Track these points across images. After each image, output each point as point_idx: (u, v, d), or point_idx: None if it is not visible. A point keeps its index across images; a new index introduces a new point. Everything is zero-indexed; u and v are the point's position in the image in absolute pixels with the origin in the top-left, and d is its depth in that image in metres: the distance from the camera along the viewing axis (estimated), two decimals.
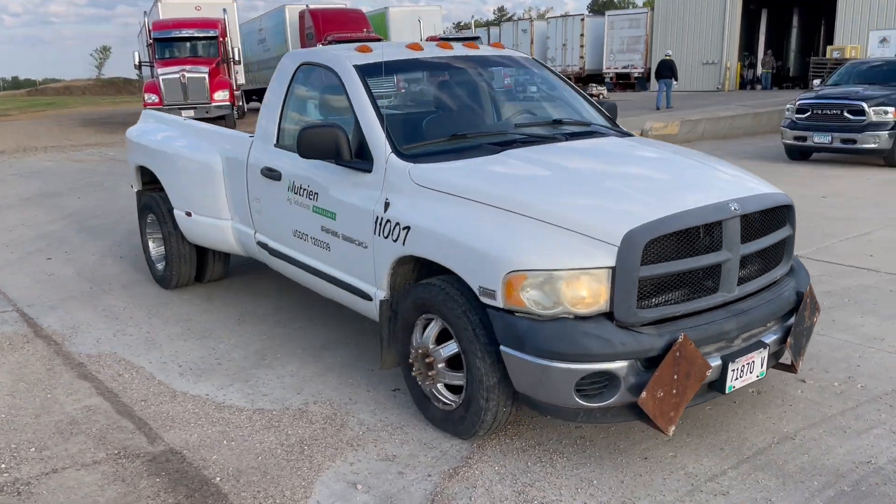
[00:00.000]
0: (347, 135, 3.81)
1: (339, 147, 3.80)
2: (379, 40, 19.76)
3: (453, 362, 3.40)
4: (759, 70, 31.41)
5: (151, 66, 21.79)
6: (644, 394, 2.94)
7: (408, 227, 3.48)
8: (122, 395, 4.08)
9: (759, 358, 3.31)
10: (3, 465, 3.37)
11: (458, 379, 3.38)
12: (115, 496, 3.12)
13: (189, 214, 5.39)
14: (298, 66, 4.57)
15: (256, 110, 7.39)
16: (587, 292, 2.96)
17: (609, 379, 2.98)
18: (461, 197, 3.37)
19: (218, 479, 3.23)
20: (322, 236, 4.14)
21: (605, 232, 2.99)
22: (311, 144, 3.80)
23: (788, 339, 3.47)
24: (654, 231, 2.99)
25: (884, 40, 26.63)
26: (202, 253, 5.82)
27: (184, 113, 19.96)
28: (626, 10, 36.34)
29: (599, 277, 2.95)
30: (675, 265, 3.07)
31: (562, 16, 37.86)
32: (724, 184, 3.51)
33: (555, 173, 3.55)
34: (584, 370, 2.94)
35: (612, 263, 2.95)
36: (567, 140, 4.05)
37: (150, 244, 6.13)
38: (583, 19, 35.44)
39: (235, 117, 20.93)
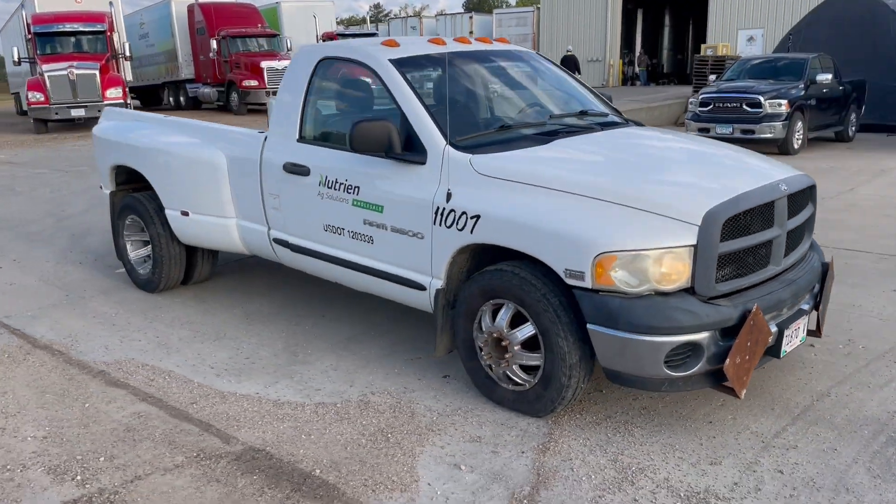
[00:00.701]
0: (398, 128, 3.87)
1: (391, 140, 3.85)
2: (276, 35, 19.44)
3: (527, 344, 3.55)
4: (637, 67, 33.12)
5: (33, 63, 20.47)
6: (728, 360, 3.21)
7: (477, 216, 3.59)
8: (168, 399, 3.97)
9: (802, 324, 3.66)
10: (79, 477, 3.24)
11: (534, 360, 3.54)
12: (217, 497, 3.08)
13: (186, 214, 5.24)
14: (319, 61, 4.56)
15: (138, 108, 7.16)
16: (672, 269, 3.20)
17: (693, 349, 3.23)
18: (532, 185, 3.52)
19: (318, 471, 3.24)
20: (364, 229, 4.17)
21: (686, 213, 3.23)
22: (364, 138, 3.84)
23: (820, 307, 3.84)
24: (729, 210, 3.26)
25: (751, 38, 28.73)
26: (191, 254, 5.66)
27: (73, 112, 18.92)
28: (514, 9, 37.28)
29: (682, 255, 3.19)
30: (742, 241, 3.36)
31: (450, 14, 38.41)
32: (764, 168, 3.84)
33: (612, 160, 3.78)
34: (675, 342, 3.17)
35: (694, 242, 3.19)
36: (602, 129, 4.28)
37: (129, 247, 5.89)
38: (471, 17, 36.10)
39: None
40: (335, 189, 4.29)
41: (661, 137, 4.34)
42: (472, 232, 3.63)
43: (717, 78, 15.89)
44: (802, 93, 13.52)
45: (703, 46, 28.99)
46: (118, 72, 20.99)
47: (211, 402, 3.93)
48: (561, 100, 4.73)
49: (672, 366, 3.23)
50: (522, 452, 3.35)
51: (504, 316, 3.59)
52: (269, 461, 3.34)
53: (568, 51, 23.35)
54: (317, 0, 28.67)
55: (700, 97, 14.01)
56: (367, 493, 3.07)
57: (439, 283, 3.88)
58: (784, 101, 13.11)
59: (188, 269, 5.71)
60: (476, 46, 4.71)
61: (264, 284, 5.90)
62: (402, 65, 4.21)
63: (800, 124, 13.40)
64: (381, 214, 4.07)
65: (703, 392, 3.79)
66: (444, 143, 3.83)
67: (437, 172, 3.82)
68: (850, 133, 15.13)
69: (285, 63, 23.36)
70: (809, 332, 3.98)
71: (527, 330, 3.52)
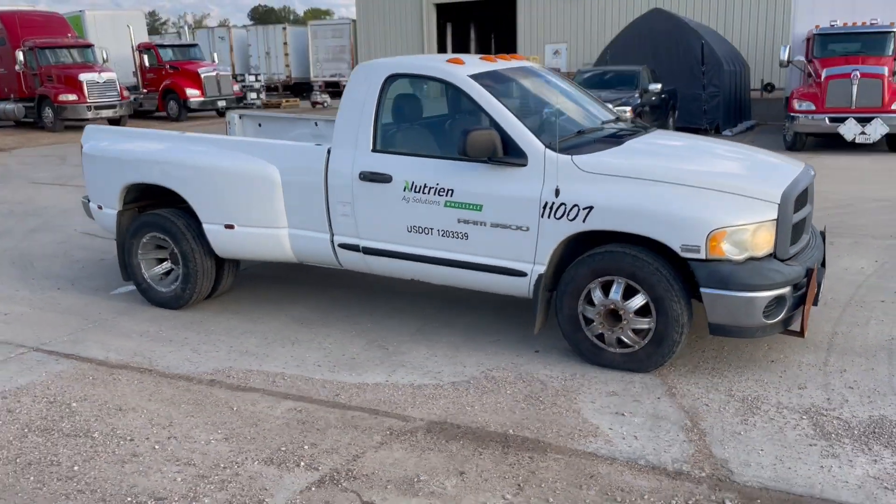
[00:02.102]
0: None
1: (496, 146, 4.43)
2: (90, 46, 18.59)
3: (638, 311, 4.29)
4: None
5: None
6: (805, 307, 4.17)
7: (590, 207, 4.28)
8: (309, 395, 4.24)
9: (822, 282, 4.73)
10: (303, 464, 3.50)
11: (644, 324, 4.28)
12: (441, 460, 3.50)
13: (230, 227, 5.38)
14: (387, 78, 4.97)
15: None
16: (762, 239, 4.10)
17: (779, 301, 4.15)
18: (634, 178, 4.28)
19: (511, 430, 3.76)
20: (458, 227, 4.68)
21: (768, 194, 4.15)
22: (476, 145, 4.39)
23: (823, 269, 4.95)
24: (794, 191, 4.24)
25: (556, 52, 31.49)
26: (218, 267, 5.76)
27: None
28: (330, 21, 37.59)
29: (769, 227, 4.11)
30: (799, 215, 4.35)
31: (262, 25, 37.83)
32: (786, 160, 4.87)
33: (682, 156, 4.64)
34: (770, 296, 4.07)
35: (775, 216, 4.12)
36: (646, 133, 5.11)
37: (143, 266, 5.84)
38: (284, 28, 35.91)
39: None
40: (423, 193, 4.75)
41: (691, 137, 5.30)
42: (584, 221, 4.30)
43: None
44: (639, 100, 15.41)
45: None
46: None
47: (353, 392, 4.26)
48: (592, 109, 5.51)
49: (766, 315, 4.12)
50: (658, 398, 4.08)
51: (617, 290, 4.30)
52: (460, 429, 3.79)
53: None
54: (124, 9, 27.28)
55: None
56: (569, 441, 3.65)
57: (541, 269, 4.50)
58: (629, 108, 14.86)
59: (214, 282, 5.80)
60: (515, 64, 5.37)
61: (277, 291, 6.11)
62: (479, 80, 4.78)
63: None
64: (479, 213, 4.60)
65: (745, 342, 4.71)
66: (543, 147, 4.47)
67: (540, 172, 4.44)
68: None
69: (108, 76, 22.15)
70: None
71: (638, 300, 4.26)
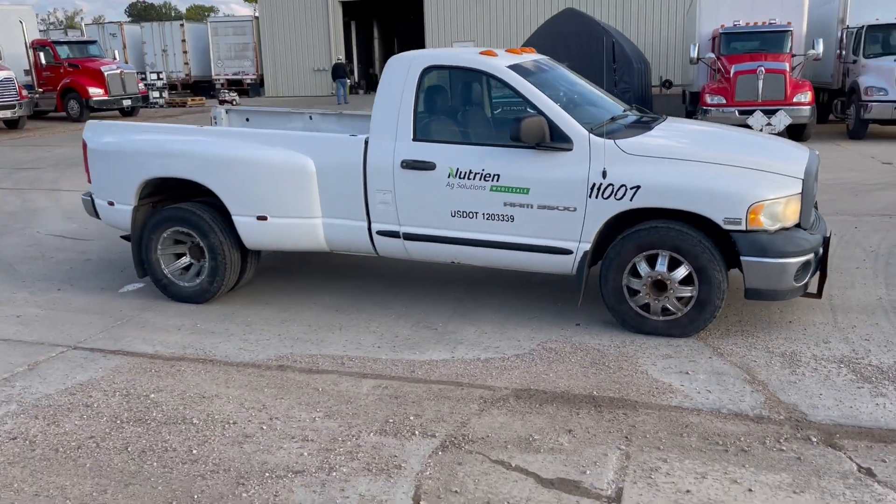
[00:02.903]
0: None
1: (545, 132, 4.74)
2: None
3: (682, 281, 4.70)
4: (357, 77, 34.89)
5: None
6: (825, 272, 4.70)
7: (637, 187, 4.65)
8: (386, 372, 4.41)
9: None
10: (417, 432, 3.69)
11: (687, 292, 4.70)
12: (543, 420, 3.78)
13: (263, 218, 5.44)
14: (424, 70, 5.18)
15: None
16: (791, 211, 4.60)
17: (806, 266, 4.65)
18: (674, 159, 4.69)
19: (594, 392, 4.08)
20: (504, 210, 4.95)
21: (794, 171, 4.66)
22: (528, 132, 4.68)
23: None
24: (812, 169, 4.76)
25: None
26: (242, 259, 5.78)
27: None
28: (230, 17, 36.59)
29: (797, 200, 4.61)
30: (814, 190, 4.88)
31: (159, 22, 36.51)
32: (794, 144, 5.41)
33: (709, 140, 5.08)
34: (800, 262, 4.57)
35: (800, 190, 4.63)
36: (664, 121, 5.53)
37: (162, 260, 5.79)
38: (182, 25, 34.83)
39: None
40: (468, 178, 5.00)
41: (702, 124, 5.78)
42: (631, 200, 4.67)
43: None
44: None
45: None
46: None
47: (426, 368, 4.46)
48: (605, 97, 5.89)
49: (795, 279, 4.62)
50: (710, 358, 4.50)
51: (662, 262, 4.70)
52: (546, 394, 4.08)
53: (339, 59, 24.33)
54: (14, 4, 25.79)
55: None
56: (652, 398, 4.00)
57: (587, 247, 4.85)
58: None
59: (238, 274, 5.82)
60: (532, 56, 5.68)
61: (296, 285, 6.19)
62: (517, 70, 5.07)
63: None
64: (526, 195, 4.89)
65: (759, 307, 5.23)
66: (586, 132, 4.81)
67: (585, 156, 4.78)
68: None
69: (5, 74, 20.90)
70: None
71: (682, 270, 4.67)
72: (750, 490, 3.15)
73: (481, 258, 5.21)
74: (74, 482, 3.35)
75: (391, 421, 3.83)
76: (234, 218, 5.51)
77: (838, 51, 16.97)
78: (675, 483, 3.22)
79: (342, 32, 32.86)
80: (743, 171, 4.62)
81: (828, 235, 4.84)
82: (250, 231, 5.51)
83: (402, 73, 5.25)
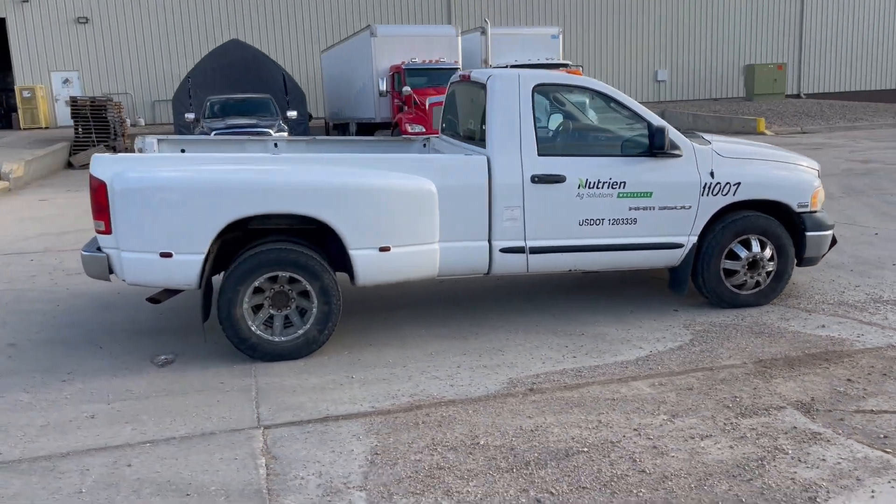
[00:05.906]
0: None
1: (670, 142, 5.39)
2: None
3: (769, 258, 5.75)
4: None
5: None
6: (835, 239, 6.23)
7: (738, 183, 5.57)
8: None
9: None
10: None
11: (772, 266, 5.77)
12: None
13: (386, 249, 4.99)
14: (534, 88, 5.34)
15: None
16: (821, 196, 5.99)
17: (833, 236, 6.08)
18: (753, 159, 5.74)
19: (792, 353, 4.86)
20: (629, 214, 5.43)
21: (815, 166, 6.06)
22: (665, 141, 5.28)
23: None
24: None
25: (67, 81, 28.88)
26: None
27: None
28: None
29: (822, 187, 6.03)
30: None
31: None
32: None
33: (755, 146, 6.15)
34: (831, 234, 5.98)
35: (819, 181, 6.06)
36: (701, 134, 6.43)
37: (248, 313, 4.84)
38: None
39: None
40: (597, 188, 5.35)
41: (728, 137, 6.87)
42: (734, 195, 5.58)
43: (196, 118, 16.89)
44: (284, 125, 16.11)
45: (18, 88, 27.90)
46: None
47: (656, 361, 4.76)
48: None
49: (829, 247, 6.02)
50: (787, 320, 5.56)
51: (755, 245, 5.69)
52: (763, 362, 4.73)
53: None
54: None
55: (213, 135, 15.03)
56: (842, 347, 4.94)
57: (694, 239, 5.61)
58: (285, 132, 15.48)
59: None
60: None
61: (365, 323, 5.71)
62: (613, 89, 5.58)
63: None
64: (649, 199, 5.45)
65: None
66: (689, 141, 5.57)
67: (692, 160, 5.53)
68: None
69: None
70: None
71: (768, 250, 5.73)
72: None
73: (602, 262, 5.57)
74: None
75: (739, 399, 4.15)
76: (351, 252, 4.93)
77: None
78: None
79: None
80: (797, 167, 5.87)
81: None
82: (370, 265, 4.99)
83: (512, 91, 5.33)
